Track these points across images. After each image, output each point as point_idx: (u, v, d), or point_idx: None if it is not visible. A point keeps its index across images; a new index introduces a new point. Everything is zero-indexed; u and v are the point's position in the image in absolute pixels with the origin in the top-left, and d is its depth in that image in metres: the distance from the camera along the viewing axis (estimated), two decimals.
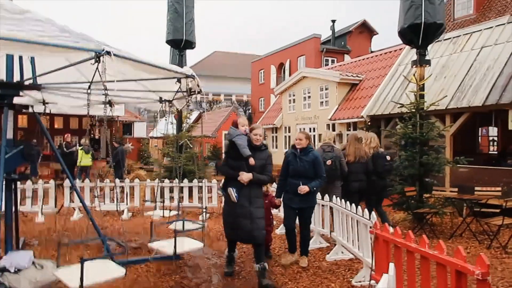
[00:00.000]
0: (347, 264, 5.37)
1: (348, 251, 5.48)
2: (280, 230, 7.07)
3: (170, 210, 6.90)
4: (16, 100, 4.59)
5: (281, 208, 6.22)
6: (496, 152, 14.10)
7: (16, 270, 4.02)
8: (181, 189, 9.05)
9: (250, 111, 33.63)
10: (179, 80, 4.77)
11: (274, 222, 6.92)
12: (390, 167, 7.33)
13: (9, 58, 4.46)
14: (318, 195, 6.07)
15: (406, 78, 10.22)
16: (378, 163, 6.97)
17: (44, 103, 5.73)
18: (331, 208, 6.07)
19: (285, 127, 17.54)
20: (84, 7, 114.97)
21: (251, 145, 4.66)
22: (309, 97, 15.77)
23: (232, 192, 4.54)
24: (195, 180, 9.14)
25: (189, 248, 4.95)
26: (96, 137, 21.06)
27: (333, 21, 28.91)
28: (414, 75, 8.52)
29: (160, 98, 5.73)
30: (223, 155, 22.99)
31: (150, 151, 24.12)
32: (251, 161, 4.52)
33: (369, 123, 12.26)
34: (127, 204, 8.84)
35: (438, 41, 10.90)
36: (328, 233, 6.21)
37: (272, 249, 5.94)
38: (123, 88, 5.02)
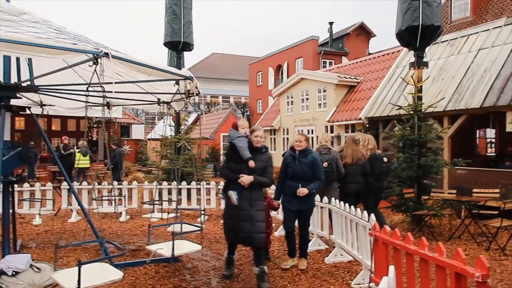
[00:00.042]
0: (346, 266, 5.36)
1: (347, 253, 5.46)
2: (279, 232, 7.06)
3: (169, 213, 6.89)
4: (13, 102, 4.57)
5: (280, 210, 6.21)
6: (493, 154, 14.15)
7: (13, 273, 3.99)
8: (179, 191, 9.03)
9: (248, 113, 33.64)
10: (177, 82, 4.77)
11: (273, 225, 6.91)
12: (387, 169, 7.34)
13: (6, 60, 4.44)
14: (317, 197, 6.06)
15: (404, 80, 10.24)
16: (375, 165, 6.99)
17: (41, 105, 5.72)
18: (329, 210, 6.06)
19: (283, 129, 17.54)
20: (80, 10, 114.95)
21: (252, 147, 4.62)
22: (307, 99, 15.78)
23: (233, 195, 4.50)
24: (194, 182, 9.12)
25: (187, 250, 4.94)
26: (94, 139, 21.01)
27: (331, 23, 29.01)
28: (412, 77, 8.54)
29: (158, 100, 5.72)
30: (221, 157, 23.04)
31: (148, 153, 24.08)
32: (251, 163, 4.48)
33: (367, 125, 12.27)
34: (125, 206, 8.82)
35: (435, 43, 10.94)
36: (327, 236, 6.20)
37: (271, 251, 5.92)
38: (121, 90, 5.00)
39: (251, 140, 4.66)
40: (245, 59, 41.10)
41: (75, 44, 3.34)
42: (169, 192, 9.25)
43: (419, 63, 8.25)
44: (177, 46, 10.86)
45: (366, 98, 13.04)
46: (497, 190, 7.16)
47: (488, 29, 10.81)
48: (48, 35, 3.51)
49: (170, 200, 8.74)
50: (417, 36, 7.89)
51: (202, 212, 6.07)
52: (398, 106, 8.62)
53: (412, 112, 8.01)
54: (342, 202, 5.57)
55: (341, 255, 5.63)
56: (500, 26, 10.48)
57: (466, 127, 11.65)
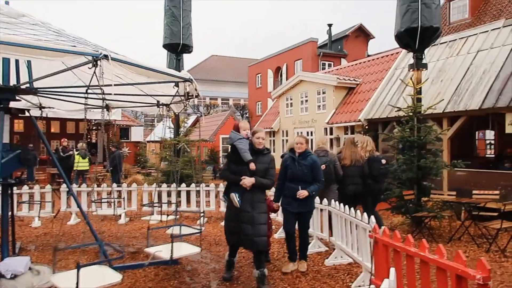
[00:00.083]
0: (346, 268, 5.34)
1: (347, 255, 5.45)
2: (279, 234, 7.04)
3: (168, 215, 6.88)
4: (13, 104, 4.56)
5: (280, 212, 6.20)
6: (493, 156, 14.15)
7: (12, 276, 3.97)
8: (178, 193, 9.01)
9: (247, 115, 33.65)
10: (177, 84, 4.76)
11: (273, 227, 6.89)
12: (386, 170, 7.35)
13: (5, 62, 4.44)
14: (317, 199, 6.05)
15: (403, 81, 10.25)
16: (373, 167, 7.01)
17: (40, 107, 5.71)
18: (328, 212, 6.05)
19: (283, 131, 17.54)
20: (80, 10, 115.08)
21: (253, 149, 4.59)
22: (306, 101, 15.79)
23: (235, 197, 4.46)
24: (193, 184, 9.10)
25: (185, 253, 4.92)
26: (93, 141, 21.00)
27: (330, 25, 29.07)
28: (411, 78, 8.54)
29: (158, 102, 5.71)
30: (220, 159, 23.02)
31: (147, 155, 24.05)
32: (252, 166, 4.44)
33: (366, 127, 12.28)
34: (124, 208, 8.80)
35: (434, 45, 10.96)
36: (327, 238, 6.19)
37: (271, 253, 5.90)
38: (120, 92, 4.99)
39: (252, 142, 4.63)
40: (244, 61, 41.15)
41: (74, 46, 3.34)
42: (169, 194, 9.23)
43: (418, 64, 8.26)
44: (176, 48, 10.86)
45: (365, 100, 13.06)
46: (497, 192, 7.16)
47: (487, 31, 10.83)
48: (47, 37, 3.51)
49: (169, 202, 8.73)
50: (416, 37, 7.90)
51: (202, 214, 6.05)
52: (398, 107, 8.62)
53: (411, 113, 8.01)
54: (341, 204, 5.56)
55: (341, 257, 5.61)
56: (499, 28, 10.51)
57: (465, 129, 11.66)
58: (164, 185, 9.25)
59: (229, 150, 4.78)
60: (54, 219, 8.55)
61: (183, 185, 9.17)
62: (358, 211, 4.91)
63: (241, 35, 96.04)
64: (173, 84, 4.75)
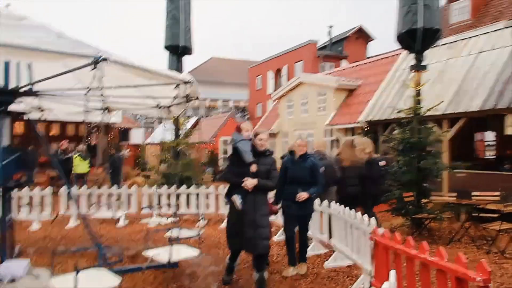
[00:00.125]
0: (346, 270, 5.32)
1: (347, 257, 5.43)
2: (279, 236, 7.03)
3: (167, 217, 6.86)
4: (13, 106, 4.56)
5: (279, 214, 6.18)
6: (493, 157, 14.13)
7: (11, 279, 3.96)
8: (178, 196, 9.00)
9: (247, 117, 33.66)
10: (177, 86, 4.76)
11: (272, 229, 6.88)
12: (385, 172, 7.37)
13: (6, 64, 4.43)
14: (316, 201, 6.04)
15: (405, 83, 10.26)
16: (372, 169, 7.03)
17: (40, 109, 5.71)
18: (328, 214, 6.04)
19: (283, 133, 17.54)
20: (80, 10, 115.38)
21: (256, 150, 4.52)
22: (306, 102, 15.80)
23: (237, 199, 4.38)
24: (193, 187, 9.09)
25: (184, 256, 4.89)
26: (93, 143, 20.98)
27: (330, 27, 29.14)
28: (411, 80, 8.54)
29: (158, 104, 5.71)
30: (220, 161, 23.01)
31: (147, 157, 24.04)
32: (253, 167, 4.38)
33: (366, 129, 12.28)
34: (124, 211, 8.79)
35: (435, 46, 10.95)
36: (327, 240, 6.17)
37: (270, 256, 5.87)
38: (120, 94, 4.99)
39: (254, 144, 4.58)
40: (244, 63, 41.20)
41: (74, 48, 3.34)
42: (168, 197, 9.22)
43: (419, 66, 8.26)
44: (177, 50, 10.90)
45: (365, 102, 13.06)
46: (497, 193, 7.14)
47: (488, 32, 10.83)
48: (47, 40, 3.51)
49: (169, 205, 8.72)
50: (416, 39, 7.90)
51: (201, 216, 6.05)
52: (398, 109, 8.62)
53: (411, 115, 8.01)
54: (341, 206, 5.56)
55: (341, 259, 5.60)
56: (500, 29, 10.50)
57: (466, 130, 11.65)
58: (164, 187, 9.24)
59: (231, 151, 4.71)
60: (53, 222, 8.53)
61: (183, 187, 9.16)
62: (358, 213, 4.90)
63: (241, 36, 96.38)
64: (174, 86, 4.74)
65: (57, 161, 8.85)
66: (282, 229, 5.70)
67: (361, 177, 6.95)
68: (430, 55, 11.72)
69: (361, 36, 29.13)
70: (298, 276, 5.11)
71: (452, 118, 9.73)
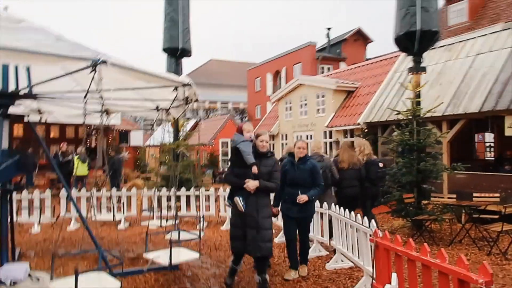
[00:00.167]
0: (347, 272, 5.31)
1: (348, 259, 5.42)
2: (279, 238, 7.01)
3: (167, 220, 6.84)
4: (12, 109, 4.54)
5: (279, 216, 6.17)
6: (493, 158, 14.15)
7: (12, 282, 3.94)
8: (178, 198, 8.99)
9: (247, 119, 33.65)
10: (176, 89, 4.75)
11: (273, 231, 6.86)
12: (383, 174, 7.38)
13: (5, 67, 4.42)
14: (317, 203, 6.03)
15: (402, 85, 10.27)
16: (371, 170, 7.04)
17: (39, 112, 5.69)
18: (329, 216, 6.03)
19: (282, 135, 17.54)
20: (81, 9, 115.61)
21: (257, 151, 4.50)
22: (305, 104, 15.80)
23: (239, 201, 4.35)
24: (192, 189, 9.07)
25: (184, 258, 4.88)
26: (93, 146, 20.96)
27: (329, 29, 29.18)
28: (410, 82, 8.56)
29: (157, 106, 5.70)
30: (220, 163, 22.99)
31: (147, 159, 24.00)
32: (254, 169, 4.35)
33: (366, 130, 12.28)
34: (124, 213, 8.77)
35: (433, 48, 10.98)
36: (328, 241, 6.16)
37: (271, 258, 5.87)
38: (119, 96, 4.98)
39: (256, 145, 4.55)
40: (243, 65, 41.25)
41: (73, 51, 3.33)
42: (168, 199, 9.20)
43: (417, 68, 8.27)
44: (176, 52, 10.90)
45: (364, 103, 13.07)
46: (497, 194, 7.14)
47: (486, 34, 10.86)
48: (46, 43, 3.50)
49: (169, 207, 8.69)
50: (414, 41, 7.92)
51: (201, 219, 6.03)
52: (397, 111, 8.63)
53: (410, 117, 8.02)
54: (342, 208, 5.55)
55: (342, 261, 5.59)
56: (498, 31, 10.53)
57: (465, 132, 11.67)
58: (164, 189, 9.23)
59: (233, 153, 4.67)
60: (54, 224, 8.51)
61: (183, 189, 9.14)
62: (358, 215, 4.89)
63: (241, 36, 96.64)
64: (172, 88, 4.73)
65: (57, 163, 8.82)
66: (283, 231, 5.68)
67: (360, 179, 6.97)
68: (429, 57, 11.77)
69: (360, 38, 29.17)
70: (299, 278, 5.09)
71: (452, 120, 9.74)
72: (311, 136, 15.25)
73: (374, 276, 4.10)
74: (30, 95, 4.67)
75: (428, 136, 7.85)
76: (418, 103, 8.18)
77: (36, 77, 4.44)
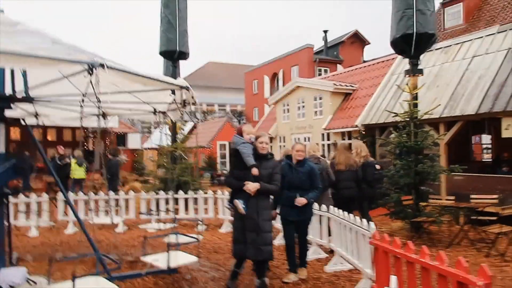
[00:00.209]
0: (346, 275, 5.30)
1: (347, 261, 5.41)
2: (278, 241, 7.00)
3: (165, 223, 6.82)
4: (8, 112, 4.52)
5: (278, 218, 6.16)
6: (490, 160, 14.19)
7: (9, 287, 3.91)
8: (176, 201, 8.96)
9: (244, 121, 33.65)
10: (173, 92, 4.74)
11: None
12: (380, 175, 7.42)
13: (1, 71, 4.40)
14: (315, 205, 6.02)
15: (399, 87, 10.29)
16: (367, 172, 7.07)
17: (36, 115, 5.66)
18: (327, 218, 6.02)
19: (280, 137, 17.54)
20: (81, 9, 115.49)
21: (257, 153, 4.47)
22: (303, 106, 15.82)
23: (239, 203, 4.32)
24: (190, 192, 9.05)
25: (183, 261, 4.86)
26: (90, 149, 20.88)
27: (325, 32, 29.23)
28: (407, 84, 8.58)
29: (154, 109, 5.68)
30: (218, 166, 22.96)
31: (145, 162, 23.95)
32: (254, 171, 4.31)
33: (363, 132, 12.29)
34: (122, 217, 8.73)
35: (429, 50, 11.02)
36: (327, 244, 6.15)
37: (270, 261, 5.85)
38: (116, 100, 4.97)
39: (256, 147, 4.53)
40: (241, 68, 41.29)
41: (70, 54, 3.32)
42: (167, 202, 9.17)
43: (414, 70, 8.30)
44: (173, 55, 10.87)
45: (362, 106, 13.09)
46: (495, 196, 7.15)
47: (482, 37, 10.91)
48: (42, 46, 3.48)
49: (167, 210, 8.67)
50: (411, 44, 7.95)
51: (200, 222, 6.01)
52: (394, 113, 8.64)
53: (408, 119, 8.03)
54: (340, 210, 5.55)
55: (341, 263, 5.57)
56: (493, 34, 10.59)
57: (462, 134, 11.70)
58: (162, 192, 9.20)
59: (233, 155, 4.64)
60: (53, 227, 8.46)
61: (181, 192, 9.12)
62: (357, 217, 4.88)
63: (240, 37, 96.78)
64: (170, 91, 4.73)
65: (54, 166, 8.77)
66: (282, 234, 5.66)
67: (356, 180, 6.99)
68: (425, 60, 11.81)
69: (357, 40, 29.26)
70: (298, 281, 5.07)
71: (449, 122, 9.76)
72: (309, 138, 15.25)
73: (374, 279, 4.10)
74: (27, 98, 4.64)
75: (425, 138, 7.86)
76: (415, 105, 8.20)
77: (32, 80, 4.43)
